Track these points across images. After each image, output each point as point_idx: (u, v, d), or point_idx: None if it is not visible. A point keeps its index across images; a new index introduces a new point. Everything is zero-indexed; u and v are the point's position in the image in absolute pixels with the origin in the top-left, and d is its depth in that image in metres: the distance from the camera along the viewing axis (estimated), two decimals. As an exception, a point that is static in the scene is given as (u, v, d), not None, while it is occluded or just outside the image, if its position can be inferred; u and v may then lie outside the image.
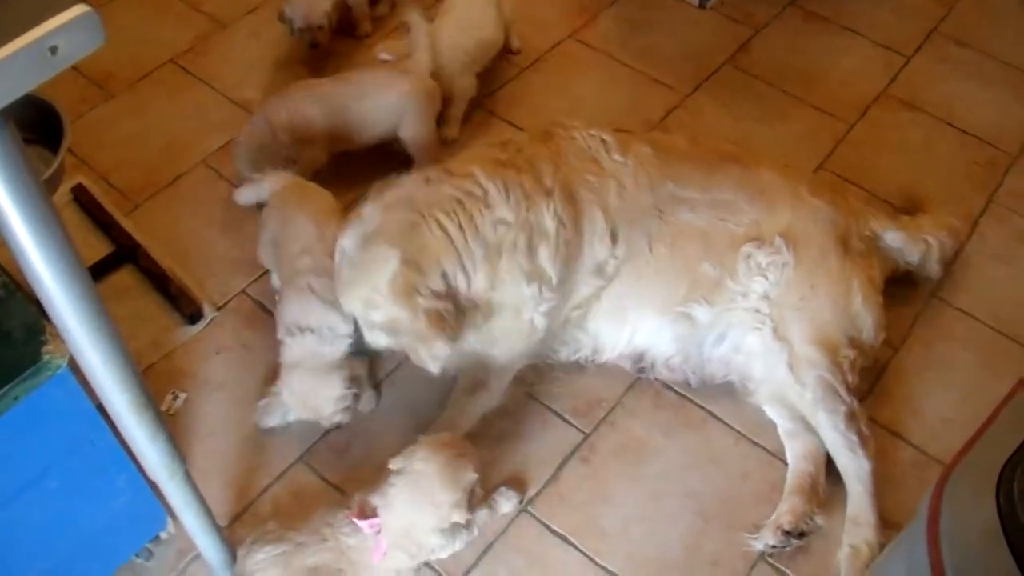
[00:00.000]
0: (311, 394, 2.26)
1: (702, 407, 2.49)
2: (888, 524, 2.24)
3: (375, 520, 2.05)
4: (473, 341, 2.32)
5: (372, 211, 2.25)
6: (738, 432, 2.44)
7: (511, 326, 2.32)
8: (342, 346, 2.29)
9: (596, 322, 2.44)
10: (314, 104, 2.78)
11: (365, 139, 2.87)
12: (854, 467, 2.28)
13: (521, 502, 2.30)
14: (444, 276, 2.19)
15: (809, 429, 2.35)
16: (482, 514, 2.21)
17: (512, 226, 2.24)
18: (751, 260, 2.36)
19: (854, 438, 2.28)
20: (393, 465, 2.09)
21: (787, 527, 2.20)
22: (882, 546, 2.19)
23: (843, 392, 2.30)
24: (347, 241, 2.24)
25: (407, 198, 2.24)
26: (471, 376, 2.40)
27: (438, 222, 2.19)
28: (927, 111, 3.28)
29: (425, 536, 2.06)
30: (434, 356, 2.18)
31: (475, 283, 2.22)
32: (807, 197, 2.45)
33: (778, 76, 3.38)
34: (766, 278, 2.35)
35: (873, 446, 2.30)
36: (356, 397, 2.33)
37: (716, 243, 2.39)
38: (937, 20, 3.62)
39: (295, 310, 2.29)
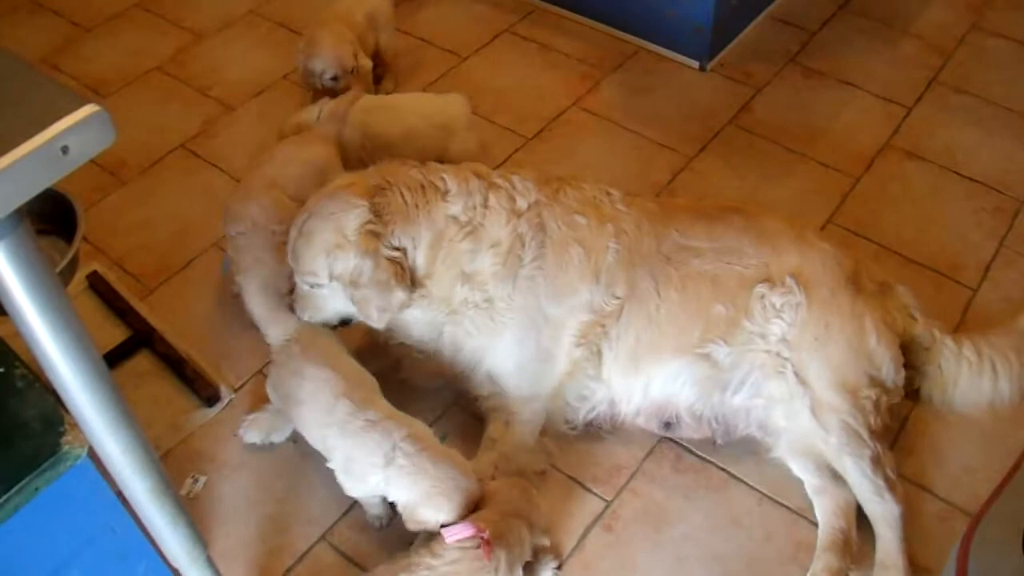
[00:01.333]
0: (443, 489, 2.15)
1: (723, 469, 2.47)
2: (917, 569, 2.21)
3: (466, 525, 2.07)
4: (422, 319, 2.39)
5: (343, 175, 2.40)
6: (760, 493, 2.42)
7: (442, 319, 2.39)
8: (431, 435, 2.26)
9: (610, 370, 2.43)
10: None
11: None
12: (882, 512, 2.26)
13: (560, 567, 2.28)
14: (399, 239, 2.29)
15: (837, 484, 2.33)
16: None
17: (462, 225, 2.33)
18: (765, 300, 2.36)
19: (881, 482, 2.26)
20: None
21: None
22: None
23: (866, 435, 2.28)
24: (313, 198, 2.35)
25: (376, 170, 2.39)
26: (499, 417, 2.43)
27: (402, 194, 2.31)
28: (931, 160, 3.30)
29: None
30: (388, 307, 2.28)
31: (416, 261, 2.32)
32: (813, 240, 2.47)
33: (781, 133, 3.41)
34: (783, 319, 2.34)
35: (901, 491, 2.28)
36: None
37: (726, 285, 2.39)
38: (935, 69, 3.65)
39: (375, 443, 2.19)
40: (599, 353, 2.42)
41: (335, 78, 3.28)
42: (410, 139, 3.05)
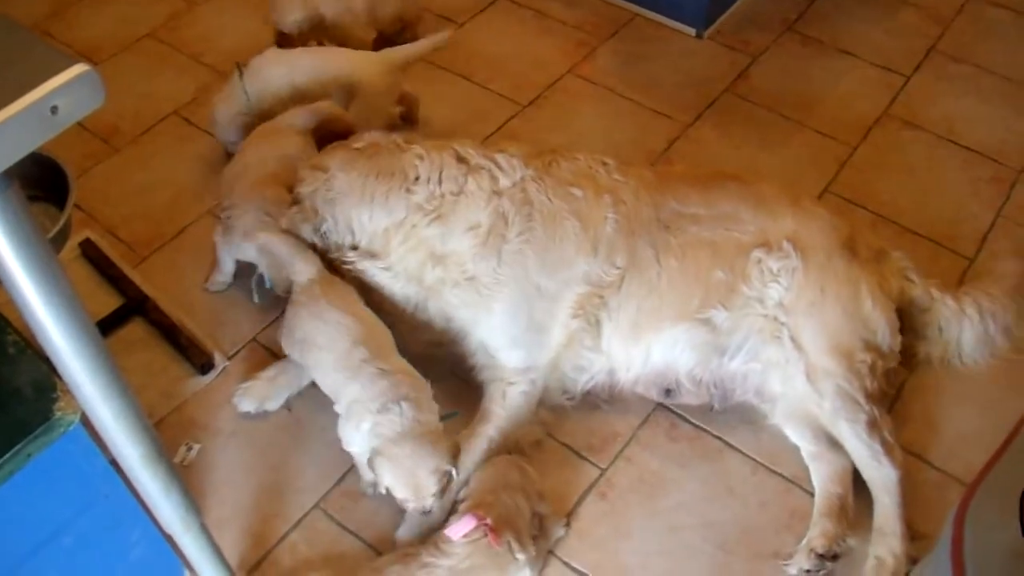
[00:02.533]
0: (418, 468, 2.12)
1: (718, 437, 2.47)
2: (916, 536, 2.22)
3: (468, 518, 2.09)
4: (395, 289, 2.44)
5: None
6: (755, 461, 2.43)
7: (417, 294, 2.44)
8: (435, 410, 2.23)
9: (609, 340, 2.43)
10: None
11: None
12: (879, 477, 2.27)
13: (568, 524, 2.30)
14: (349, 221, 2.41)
15: (834, 450, 2.34)
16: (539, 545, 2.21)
17: (426, 212, 2.37)
18: (762, 265, 2.36)
19: (877, 447, 2.27)
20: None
21: (820, 550, 2.18)
22: (909, 557, 2.18)
23: (862, 399, 2.29)
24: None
25: (352, 160, 2.45)
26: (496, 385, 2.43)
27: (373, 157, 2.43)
28: (929, 129, 3.28)
29: None
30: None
31: (363, 240, 2.42)
32: (809, 206, 2.47)
33: (778, 102, 3.39)
34: (780, 283, 2.34)
35: (899, 454, 2.29)
36: (450, 477, 2.20)
37: (725, 251, 2.39)
38: (934, 38, 3.63)
39: (380, 389, 2.19)
40: (598, 324, 2.41)
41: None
42: (299, 98, 3.02)
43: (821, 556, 2.18)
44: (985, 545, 1.40)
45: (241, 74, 3.03)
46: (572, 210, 2.38)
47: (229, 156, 2.97)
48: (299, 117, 2.89)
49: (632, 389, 2.49)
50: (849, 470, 2.32)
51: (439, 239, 2.36)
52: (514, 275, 2.36)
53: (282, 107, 2.98)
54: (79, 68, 1.03)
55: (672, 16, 3.69)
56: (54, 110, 1.03)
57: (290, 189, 2.57)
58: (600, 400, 2.51)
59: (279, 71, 3.06)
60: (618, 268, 2.38)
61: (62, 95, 1.03)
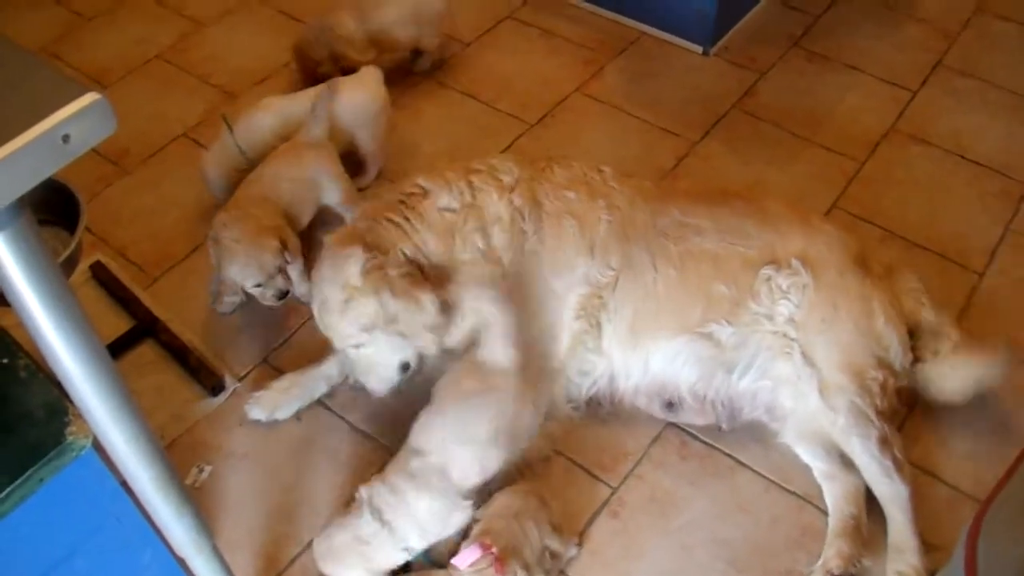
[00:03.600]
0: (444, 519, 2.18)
1: (729, 455, 2.46)
2: (930, 548, 2.22)
3: (474, 548, 2.08)
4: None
5: (327, 242, 2.40)
6: (766, 478, 2.42)
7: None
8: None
9: (610, 343, 2.43)
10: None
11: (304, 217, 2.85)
12: (891, 493, 2.26)
13: (580, 544, 2.29)
14: (404, 254, 2.34)
15: (847, 470, 2.33)
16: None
17: (458, 211, 2.40)
18: (771, 283, 2.36)
19: (888, 463, 2.26)
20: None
21: (837, 571, 2.17)
22: (928, 571, 2.17)
23: (873, 416, 2.28)
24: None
25: (359, 214, 2.47)
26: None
27: (388, 219, 2.38)
28: (936, 144, 3.28)
29: None
30: (429, 320, 2.28)
31: (432, 259, 2.38)
32: (817, 224, 2.47)
33: (785, 118, 3.40)
34: (790, 300, 2.34)
35: (909, 471, 2.28)
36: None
37: (728, 264, 2.39)
38: (940, 53, 3.63)
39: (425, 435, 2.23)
40: (599, 326, 2.42)
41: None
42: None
43: None
44: (999, 561, 1.39)
45: (231, 128, 3.00)
46: (570, 210, 2.42)
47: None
48: (311, 129, 2.89)
49: (633, 400, 2.48)
50: (862, 490, 2.31)
51: (480, 235, 2.39)
52: (531, 278, 2.40)
53: None
54: (90, 97, 1.04)
55: (678, 34, 3.70)
56: (66, 139, 1.03)
57: (283, 242, 2.60)
58: (604, 412, 2.51)
59: (271, 122, 3.03)
60: (613, 270, 2.40)
61: (74, 124, 1.03)
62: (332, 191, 2.87)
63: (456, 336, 2.34)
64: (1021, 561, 1.32)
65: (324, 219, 2.90)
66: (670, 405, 2.47)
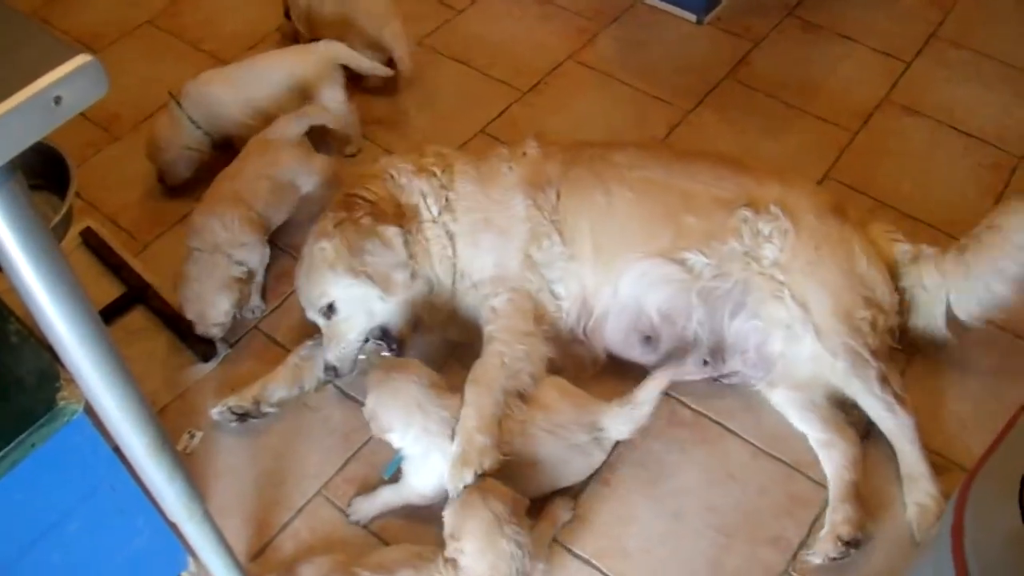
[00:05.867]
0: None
1: (719, 423, 2.48)
2: (939, 470, 2.29)
3: None
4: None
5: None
6: (755, 446, 2.43)
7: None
8: None
9: (582, 264, 2.45)
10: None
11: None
12: (896, 426, 2.31)
13: (574, 508, 2.30)
14: (366, 200, 2.44)
15: (843, 436, 2.35)
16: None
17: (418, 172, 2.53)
18: (750, 225, 2.39)
19: (890, 398, 2.31)
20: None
21: (846, 536, 2.18)
22: (944, 495, 2.22)
23: (868, 355, 2.32)
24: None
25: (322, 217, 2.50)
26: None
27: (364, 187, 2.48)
28: (929, 115, 3.28)
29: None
30: (395, 257, 2.37)
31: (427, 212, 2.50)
32: (792, 177, 2.53)
33: (779, 87, 3.39)
34: (773, 244, 2.37)
35: (910, 404, 2.33)
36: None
37: (700, 201, 2.43)
38: (935, 24, 3.62)
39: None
40: (560, 235, 2.46)
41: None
42: (260, 113, 2.99)
43: (847, 543, 2.18)
44: (986, 531, 1.40)
45: (179, 103, 2.95)
46: (497, 154, 2.57)
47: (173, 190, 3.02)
48: (290, 127, 2.85)
49: (612, 335, 2.47)
50: (860, 458, 2.33)
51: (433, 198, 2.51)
52: (472, 205, 2.49)
53: (247, 129, 2.91)
54: (82, 58, 1.03)
55: (672, 2, 3.68)
56: (57, 100, 1.03)
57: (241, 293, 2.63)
58: (583, 348, 2.49)
59: (224, 91, 2.98)
60: (552, 185, 2.48)
61: (65, 85, 1.02)
62: (309, 183, 2.83)
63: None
64: (1008, 530, 1.33)
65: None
66: (648, 340, 2.46)
